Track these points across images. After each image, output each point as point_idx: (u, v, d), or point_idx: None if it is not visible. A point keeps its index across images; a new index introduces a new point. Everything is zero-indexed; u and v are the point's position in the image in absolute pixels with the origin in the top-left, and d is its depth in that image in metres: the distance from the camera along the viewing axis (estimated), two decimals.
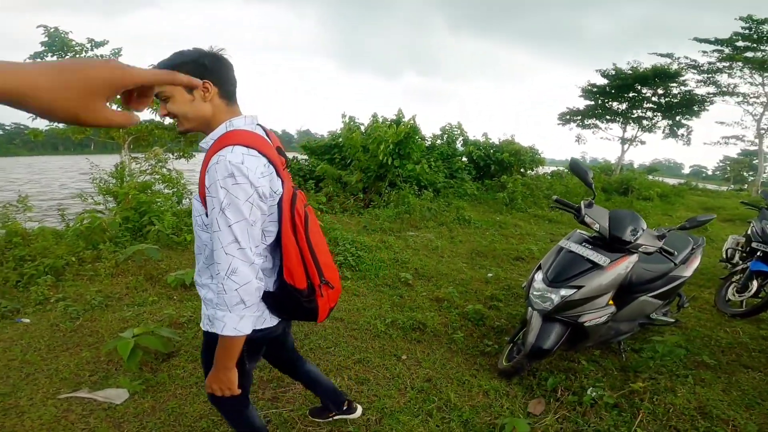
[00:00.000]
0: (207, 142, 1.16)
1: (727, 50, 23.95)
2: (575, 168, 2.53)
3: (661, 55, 26.50)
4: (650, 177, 20.51)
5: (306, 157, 10.49)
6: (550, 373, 2.61)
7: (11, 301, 3.39)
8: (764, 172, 26.81)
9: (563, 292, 2.30)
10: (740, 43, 23.48)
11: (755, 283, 3.65)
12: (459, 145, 11.76)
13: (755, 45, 23.19)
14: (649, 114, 27.92)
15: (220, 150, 1.07)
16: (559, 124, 31.64)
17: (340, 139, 9.73)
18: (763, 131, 24.69)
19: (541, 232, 6.82)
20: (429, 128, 8.48)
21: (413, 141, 8.13)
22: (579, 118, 30.08)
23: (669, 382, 2.53)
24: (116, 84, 0.43)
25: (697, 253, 3.00)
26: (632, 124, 28.65)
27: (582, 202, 2.47)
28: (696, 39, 24.95)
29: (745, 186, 33.25)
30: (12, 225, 4.21)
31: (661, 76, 25.62)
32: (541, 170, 12.57)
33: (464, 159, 11.15)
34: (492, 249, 5.54)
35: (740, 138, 26.60)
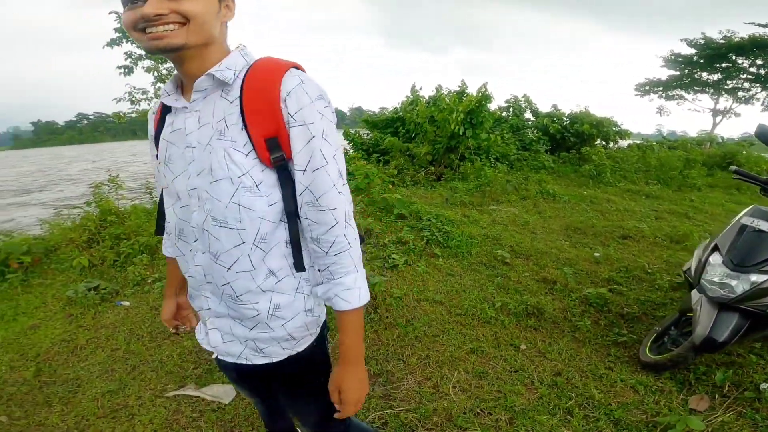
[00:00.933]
0: (223, 70, 0.79)
1: None
2: (762, 134, 2.11)
3: (761, 25, 23.27)
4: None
5: (368, 131, 10.22)
6: (710, 367, 2.23)
7: (110, 282, 3.37)
8: None
9: (754, 277, 1.91)
10: None
11: None
12: (528, 116, 11.01)
13: None
14: (746, 85, 25.34)
15: (287, 71, 0.78)
16: (636, 95, 29.53)
17: (401, 113, 9.32)
18: None
19: (642, 208, 6.04)
20: (492, 103, 7.81)
21: (486, 109, 7.53)
22: (661, 88, 27.94)
23: None
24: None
25: None
26: (725, 95, 26.10)
27: None
28: None
29: None
30: (105, 203, 4.20)
31: (761, 46, 22.99)
32: (623, 143, 11.45)
33: (536, 131, 10.35)
34: (590, 225, 4.95)
35: None
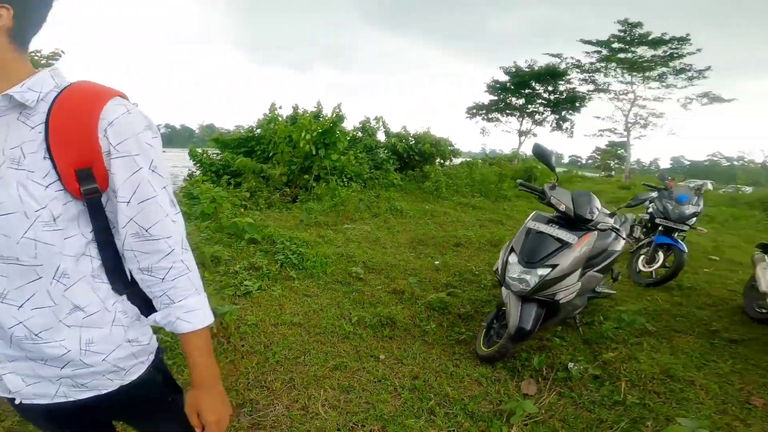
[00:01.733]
0: (24, 91, 0.71)
1: (604, 51, 27.27)
2: (538, 151, 2.60)
3: (552, 55, 29.45)
4: (539, 166, 23.04)
5: (218, 151, 9.60)
6: (528, 353, 2.68)
7: None
8: (630, 161, 31.71)
9: (540, 271, 2.36)
10: (615, 45, 26.78)
11: (661, 255, 4.20)
12: (381, 136, 11.89)
13: (628, 47, 26.61)
14: (540, 109, 31.17)
15: (110, 99, 0.75)
16: (467, 117, 34.25)
17: (258, 131, 9.09)
18: (630, 124, 29.04)
19: (470, 218, 7.13)
20: (348, 122, 8.30)
21: (339, 129, 7.90)
22: (484, 111, 32.87)
23: (628, 350, 2.77)
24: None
25: (625, 229, 3.32)
26: (527, 118, 31.98)
27: (546, 185, 2.57)
28: (581, 41, 28.06)
29: (612, 173, 38.87)
30: None
31: (551, 75, 28.63)
32: (456, 161, 13.22)
33: (387, 151, 11.24)
34: (431, 237, 5.62)
35: (612, 130, 30.91)
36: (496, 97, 31.85)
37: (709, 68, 25.22)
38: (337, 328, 3.00)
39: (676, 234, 4.17)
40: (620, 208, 3.02)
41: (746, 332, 3.20)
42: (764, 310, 3.29)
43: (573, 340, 2.91)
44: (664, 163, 73.55)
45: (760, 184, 27.18)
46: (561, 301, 2.40)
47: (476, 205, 8.39)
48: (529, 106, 31.29)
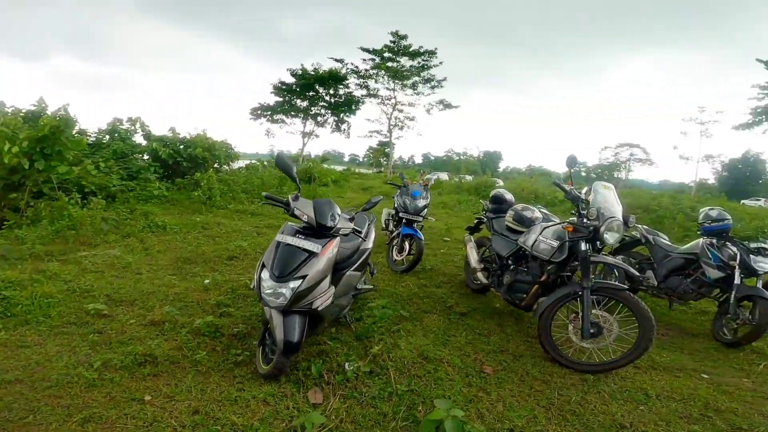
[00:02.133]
0: None
1: (378, 59, 30.48)
2: (280, 162, 2.61)
3: (336, 60, 31.30)
4: (325, 165, 24.58)
5: None
6: (309, 361, 2.67)
7: None
8: (394, 158, 37.12)
9: (292, 284, 2.36)
10: (386, 54, 30.27)
11: (407, 245, 4.99)
12: (141, 140, 10.17)
13: (395, 57, 30.37)
14: (322, 111, 32.77)
15: None
16: (251, 118, 33.04)
17: None
18: (392, 126, 33.86)
19: (247, 227, 6.84)
20: (95, 122, 6.67)
21: (65, 136, 6.25)
22: (269, 113, 32.34)
23: (392, 339, 3.07)
24: None
25: (372, 228, 3.75)
26: (310, 119, 33.23)
27: (290, 196, 2.60)
28: (361, 48, 30.77)
29: (382, 169, 44.82)
30: None
31: (333, 79, 30.33)
32: (236, 165, 12.55)
33: (146, 157, 9.68)
34: (200, 253, 5.09)
35: (378, 132, 35.43)
36: (281, 99, 31.99)
37: (445, 79, 31.73)
38: (76, 376, 2.38)
39: (415, 224, 5.03)
40: (357, 212, 3.38)
41: (470, 304, 4.01)
42: (477, 282, 4.18)
43: (347, 339, 3.05)
44: (418, 159, 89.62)
45: (477, 173, 35.93)
46: (319, 308, 2.47)
47: (255, 212, 8.14)
48: (313, 108, 32.50)
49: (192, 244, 5.51)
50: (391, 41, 30.56)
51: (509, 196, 4.47)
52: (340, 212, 2.73)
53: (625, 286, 2.85)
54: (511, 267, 3.53)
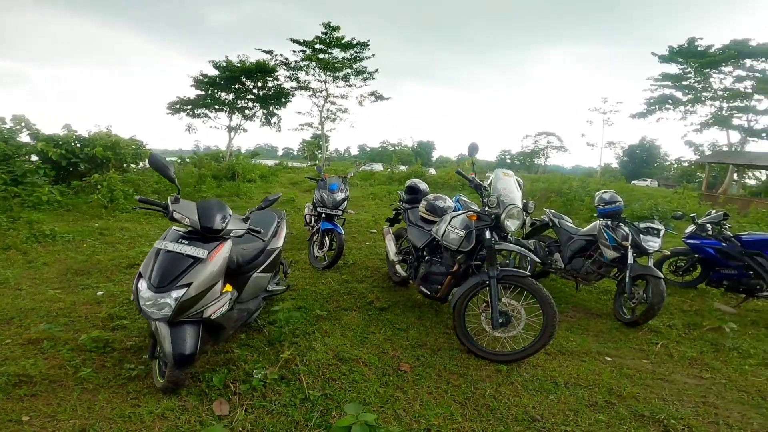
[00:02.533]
0: None
1: (309, 51, 29.48)
2: (154, 163, 2.37)
3: (264, 52, 29.86)
4: (254, 160, 23.51)
5: None
6: (213, 371, 2.51)
7: None
8: (326, 151, 36.55)
9: (175, 294, 2.16)
10: (318, 46, 29.29)
11: (327, 239, 4.86)
12: (29, 140, 8.89)
13: (327, 48, 29.51)
14: (250, 104, 31.28)
15: None
16: (168, 113, 30.73)
17: None
18: (323, 119, 33.23)
19: (156, 231, 6.25)
20: None
21: None
22: (189, 107, 30.30)
23: (306, 341, 2.94)
24: None
25: (282, 225, 3.55)
26: (237, 113, 31.56)
27: (169, 199, 2.36)
28: (291, 39, 29.52)
29: (316, 162, 44.10)
30: None
31: (262, 71, 28.99)
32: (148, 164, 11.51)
33: (35, 158, 8.52)
34: (95, 263, 4.55)
35: (309, 125, 34.56)
36: (203, 92, 29.99)
37: (377, 70, 31.70)
38: None
39: (335, 219, 4.91)
40: (252, 211, 3.20)
41: (391, 298, 3.97)
42: (398, 275, 4.15)
43: (258, 345, 2.89)
44: (354, 151, 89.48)
45: (411, 163, 36.62)
46: (213, 317, 2.29)
47: None
48: (239, 101, 30.95)
49: (85, 254, 4.91)
50: (322, 33, 29.89)
51: (424, 186, 4.49)
52: (231, 213, 2.52)
53: (528, 273, 2.90)
54: (426, 258, 3.54)
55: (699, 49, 27.70)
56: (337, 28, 29.75)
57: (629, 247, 3.83)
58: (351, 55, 30.58)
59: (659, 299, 3.51)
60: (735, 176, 25.28)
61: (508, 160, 75.37)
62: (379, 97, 32.99)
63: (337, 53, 30.50)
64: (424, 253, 3.57)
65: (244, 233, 2.55)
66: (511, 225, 2.91)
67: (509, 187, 3.00)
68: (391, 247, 4.10)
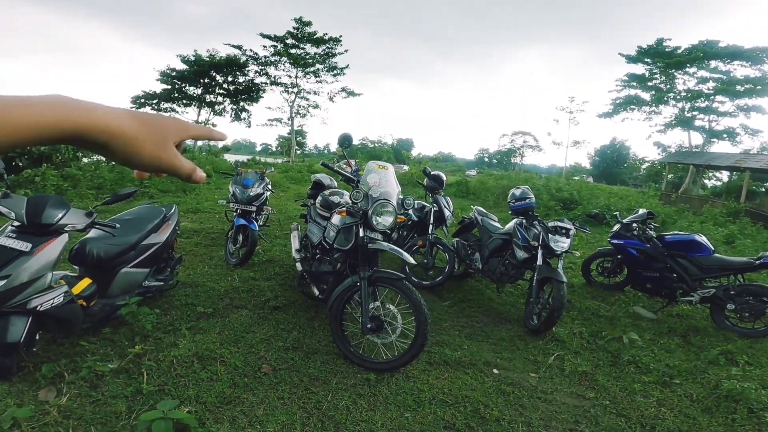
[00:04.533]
0: None
1: (280, 46, 29.20)
2: None
3: (234, 46, 29.56)
4: (226, 156, 22.98)
5: None
6: (50, 361, 2.48)
7: None
8: (296, 146, 36.07)
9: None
10: (289, 41, 29.13)
11: (241, 236, 4.62)
12: None
13: (299, 43, 29.35)
14: (220, 99, 31.12)
15: None
16: (132, 107, 29.56)
17: None
18: (294, 114, 32.76)
19: None
20: None
21: None
22: (155, 101, 29.69)
23: (172, 338, 2.86)
24: (182, 134, 0.46)
25: (170, 221, 3.36)
26: (205, 108, 31.07)
27: None
28: (261, 34, 29.18)
29: (290, 158, 43.46)
30: None
31: (232, 65, 28.99)
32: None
33: None
34: None
35: (279, 120, 33.96)
36: (170, 86, 29.66)
37: (347, 66, 31.47)
38: None
39: (253, 215, 4.68)
40: (97, 206, 3.07)
41: (290, 297, 3.84)
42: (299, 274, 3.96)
43: (121, 339, 2.81)
44: (333, 147, 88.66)
45: (391, 160, 36.64)
46: (41, 309, 2.26)
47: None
48: (208, 96, 30.79)
49: None
50: (294, 28, 29.65)
51: (328, 182, 4.35)
52: (70, 208, 2.41)
53: (401, 275, 2.69)
54: (317, 256, 3.37)
55: (667, 49, 28.35)
56: (309, 23, 29.58)
57: (538, 247, 3.71)
58: (323, 50, 30.49)
59: (559, 305, 3.30)
60: (696, 177, 26.05)
61: (486, 159, 76.17)
62: (350, 93, 32.75)
63: (309, 48, 30.39)
64: (317, 250, 3.39)
65: (84, 228, 2.52)
66: (383, 222, 2.76)
67: (382, 182, 2.84)
68: (294, 244, 3.90)
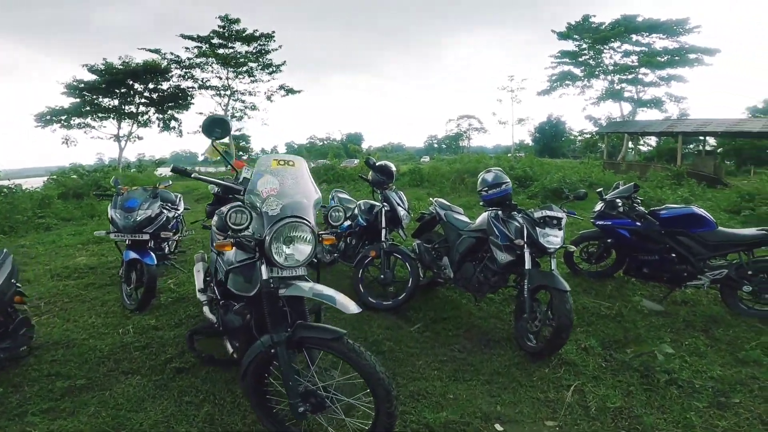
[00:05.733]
0: None
1: (205, 47, 27.12)
2: None
3: (151, 51, 27.19)
4: (159, 170, 20.74)
5: None
6: None
7: None
8: (257, 150, 33.87)
9: None
10: (215, 41, 27.15)
11: (134, 276, 3.45)
12: None
13: (226, 43, 27.42)
14: (142, 109, 28.44)
15: None
16: (38, 126, 26.72)
17: None
18: (230, 119, 30.52)
19: None
20: None
21: None
22: (63, 117, 26.60)
23: (18, 426, 2.03)
24: None
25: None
26: (127, 120, 28.25)
27: None
28: (182, 35, 26.99)
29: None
30: None
31: (151, 71, 26.68)
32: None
33: None
34: None
35: None
36: (79, 100, 26.49)
37: (284, 63, 29.78)
38: None
39: (149, 245, 3.50)
40: None
41: (203, 352, 2.74)
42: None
43: None
44: (281, 149, 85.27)
45: (342, 156, 35.01)
46: None
47: None
48: (127, 106, 28.00)
49: None
50: (219, 26, 27.70)
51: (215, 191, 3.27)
52: None
53: (338, 331, 1.66)
54: (221, 301, 2.30)
55: (593, 25, 29.27)
56: (236, 21, 27.73)
57: (525, 246, 2.86)
58: (255, 48, 28.71)
59: (566, 321, 2.51)
60: (630, 144, 27.15)
61: (436, 145, 76.49)
62: (289, 91, 31.10)
63: (240, 47, 28.53)
64: (220, 293, 2.32)
65: None
66: (294, 255, 1.75)
67: (285, 188, 1.82)
68: (198, 282, 2.79)
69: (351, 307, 1.66)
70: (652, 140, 31.65)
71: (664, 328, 3.10)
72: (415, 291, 3.52)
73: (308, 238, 1.75)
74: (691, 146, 30.63)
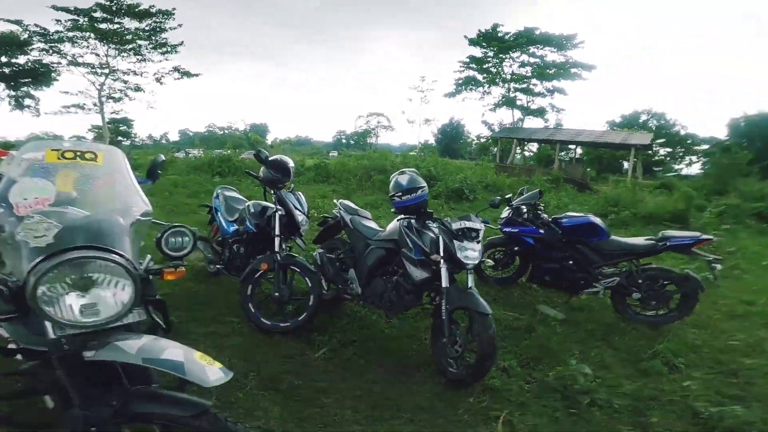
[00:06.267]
0: None
1: (82, 20, 23.38)
2: None
3: (10, 21, 23.25)
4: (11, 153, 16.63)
5: None
6: None
7: None
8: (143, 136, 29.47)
9: None
10: (98, 14, 23.50)
11: None
12: None
13: (113, 17, 23.89)
14: None
15: None
16: None
17: None
18: (104, 99, 26.33)
19: None
20: None
21: None
22: None
23: None
24: None
25: None
26: None
27: None
28: (54, 7, 22.83)
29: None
30: None
31: (6, 44, 23.71)
32: None
33: None
34: None
35: (81, 106, 26.84)
36: None
37: (182, 43, 26.45)
38: None
39: None
40: None
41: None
42: None
43: None
44: (174, 136, 76.86)
45: (244, 147, 32.52)
46: None
47: None
48: None
49: None
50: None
51: None
52: None
53: (206, 403, 1.16)
54: None
55: (500, 34, 31.39)
56: None
57: (442, 261, 2.56)
58: (149, 25, 25.17)
59: (490, 349, 2.30)
60: (518, 149, 29.89)
61: (344, 140, 75.91)
62: (185, 74, 27.78)
63: (129, 23, 24.79)
64: None
65: None
66: (98, 306, 1.17)
67: (71, 199, 1.28)
68: None
69: (211, 376, 1.13)
70: (534, 146, 35.25)
71: (570, 339, 3.11)
72: (318, 309, 3.05)
73: (118, 281, 1.17)
74: (563, 153, 34.94)
